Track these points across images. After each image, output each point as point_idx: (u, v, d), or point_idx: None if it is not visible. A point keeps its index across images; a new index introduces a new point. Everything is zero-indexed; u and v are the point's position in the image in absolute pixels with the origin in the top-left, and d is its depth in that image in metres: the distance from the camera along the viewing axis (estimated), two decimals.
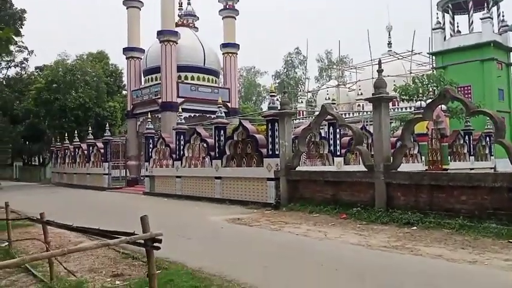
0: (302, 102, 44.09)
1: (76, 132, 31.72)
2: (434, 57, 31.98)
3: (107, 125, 28.10)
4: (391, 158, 10.70)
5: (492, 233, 8.09)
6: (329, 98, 29.95)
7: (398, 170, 10.53)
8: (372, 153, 12.39)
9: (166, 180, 19.84)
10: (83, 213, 13.82)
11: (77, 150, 30.53)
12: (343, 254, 7.23)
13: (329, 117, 13.73)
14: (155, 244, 4.01)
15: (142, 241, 3.98)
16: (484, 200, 8.65)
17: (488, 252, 6.98)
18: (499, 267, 6.17)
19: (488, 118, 23.87)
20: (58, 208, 14.42)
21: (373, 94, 11.01)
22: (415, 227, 9.15)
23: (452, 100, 10.53)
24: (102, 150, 26.76)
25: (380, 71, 11.04)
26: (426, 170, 17.30)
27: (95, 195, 22.35)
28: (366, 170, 10.99)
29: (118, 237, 3.99)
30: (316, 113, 20.60)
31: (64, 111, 35.26)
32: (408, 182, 9.94)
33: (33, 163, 50.02)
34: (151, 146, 21.15)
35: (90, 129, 29.91)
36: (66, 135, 33.08)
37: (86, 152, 28.92)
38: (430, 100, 19.09)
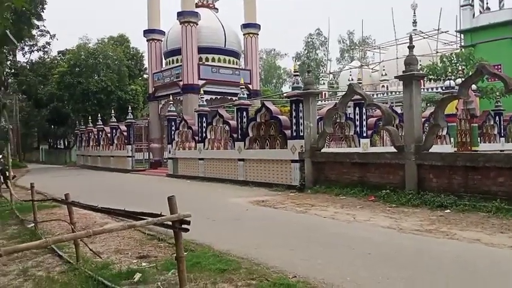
0: (324, 83, 43.31)
1: (99, 115, 32.02)
2: (462, 36, 30.76)
3: (129, 108, 28.24)
4: (423, 138, 10.27)
5: None
6: (352, 79, 29.29)
7: (430, 151, 10.10)
8: (401, 134, 11.98)
9: (189, 163, 19.80)
10: (108, 194, 13.88)
11: (100, 133, 30.86)
12: (375, 238, 6.94)
13: (355, 97, 13.31)
14: (183, 226, 3.81)
15: (170, 223, 3.79)
16: None
17: None
18: None
19: None
20: (83, 190, 14.55)
21: (403, 71, 10.52)
22: (448, 210, 8.77)
23: (489, 76, 9.97)
24: (125, 133, 26.96)
25: (411, 47, 10.52)
26: (455, 151, 16.71)
27: (119, 177, 22.54)
28: (395, 151, 10.60)
29: (144, 219, 3.81)
30: (340, 94, 20.07)
31: (87, 95, 35.62)
32: (441, 163, 9.52)
33: (58, 146, 51.02)
34: (173, 128, 21.11)
35: (112, 112, 30.13)
36: (89, 118, 33.44)
37: (109, 135, 29.18)
38: (460, 78, 18.41)
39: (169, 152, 21.37)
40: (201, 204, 11.25)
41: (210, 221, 8.74)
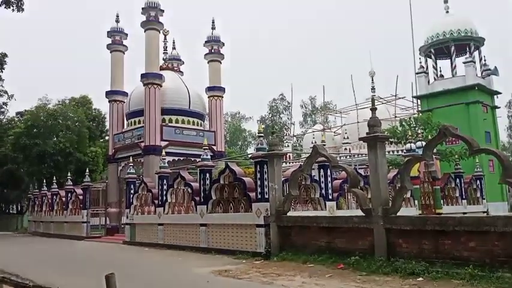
0: (288, 146, 43.75)
1: (55, 178, 30.44)
2: (419, 101, 32.18)
3: (87, 171, 27.02)
4: (390, 201, 9.99)
5: (507, 284, 7.31)
6: (315, 142, 29.59)
7: (398, 214, 9.79)
8: (367, 196, 11.70)
9: (148, 228, 18.67)
10: (56, 266, 12.62)
11: (54, 197, 29.13)
12: None
13: (320, 159, 13.10)
14: None
15: None
16: (494, 247, 7.90)
17: None
18: None
19: (477, 161, 23.88)
20: (29, 260, 13.23)
21: (367, 133, 10.45)
22: (421, 278, 8.29)
23: (452, 138, 10.01)
24: (80, 197, 25.51)
25: (373, 109, 10.56)
26: (422, 214, 16.57)
27: (70, 246, 20.94)
28: (363, 214, 10.22)
29: None
30: (304, 156, 19.93)
31: (43, 157, 34.04)
32: (410, 228, 9.16)
33: (10, 211, 47.96)
34: (132, 191, 20.09)
35: (69, 175, 28.73)
36: (44, 181, 31.72)
37: (64, 199, 27.55)
38: (420, 141, 18.74)
39: (127, 217, 20.19)
40: (158, 276, 10.32)
41: None
